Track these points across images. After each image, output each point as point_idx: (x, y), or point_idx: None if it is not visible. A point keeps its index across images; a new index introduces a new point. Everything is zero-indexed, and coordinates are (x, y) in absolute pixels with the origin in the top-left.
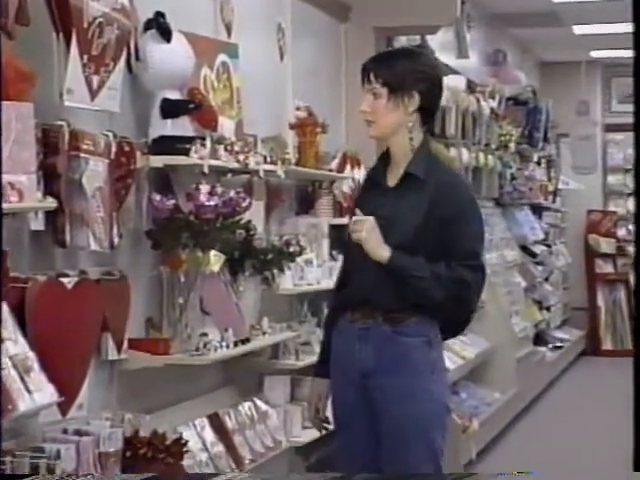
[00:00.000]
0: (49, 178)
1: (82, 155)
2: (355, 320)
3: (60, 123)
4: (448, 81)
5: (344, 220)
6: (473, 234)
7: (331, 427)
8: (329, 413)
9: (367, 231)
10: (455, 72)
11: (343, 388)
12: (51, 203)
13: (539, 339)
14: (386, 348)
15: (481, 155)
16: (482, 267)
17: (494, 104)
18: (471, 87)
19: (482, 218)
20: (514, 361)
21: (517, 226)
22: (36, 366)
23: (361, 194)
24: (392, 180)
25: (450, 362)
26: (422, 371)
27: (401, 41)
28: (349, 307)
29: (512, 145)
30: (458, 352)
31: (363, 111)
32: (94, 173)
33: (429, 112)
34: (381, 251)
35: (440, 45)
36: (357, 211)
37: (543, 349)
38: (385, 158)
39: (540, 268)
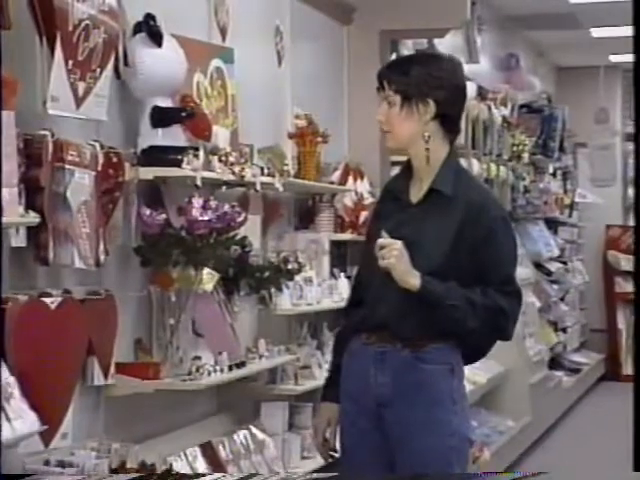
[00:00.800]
0: (31, 191)
1: (67, 167)
2: (371, 343)
3: (43, 133)
4: None
5: (346, 236)
6: (507, 257)
7: (337, 455)
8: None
9: (397, 257)
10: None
11: (355, 415)
12: (34, 218)
13: (555, 363)
14: (405, 374)
15: (492, 166)
16: (518, 292)
17: (506, 112)
18: (482, 94)
19: (515, 238)
20: (528, 386)
21: (531, 242)
22: (17, 392)
23: (379, 208)
24: (415, 195)
25: None
26: (443, 401)
27: (407, 45)
28: (364, 329)
29: (525, 155)
30: (468, 377)
31: (379, 120)
32: (79, 186)
33: (450, 121)
34: (412, 278)
35: (449, 49)
36: (383, 233)
37: (559, 374)
38: (407, 170)
39: (555, 287)
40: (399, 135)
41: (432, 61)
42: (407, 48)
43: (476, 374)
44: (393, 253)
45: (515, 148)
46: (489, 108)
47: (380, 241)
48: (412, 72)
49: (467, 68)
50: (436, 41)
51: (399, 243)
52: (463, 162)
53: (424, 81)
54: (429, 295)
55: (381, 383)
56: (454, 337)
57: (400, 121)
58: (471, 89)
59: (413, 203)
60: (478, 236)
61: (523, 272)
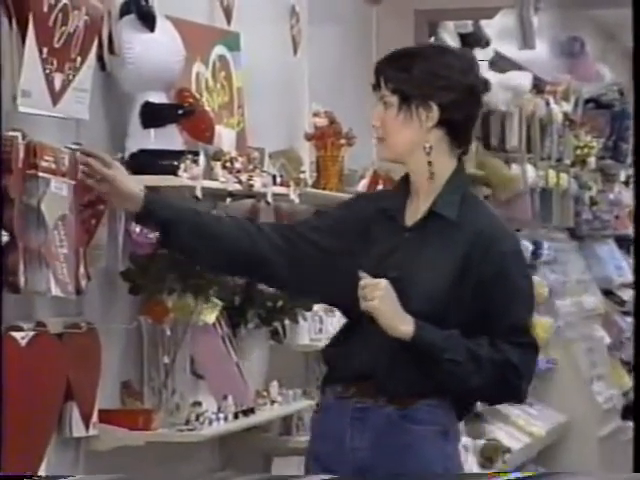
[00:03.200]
0: None
1: (41, 175)
2: (348, 396)
3: (13, 134)
4: (509, 79)
5: None
6: (521, 301)
7: None
8: None
9: (380, 300)
10: (518, 67)
11: None
12: (2, 236)
13: (629, 412)
14: (388, 436)
15: (551, 173)
16: (534, 344)
17: (568, 108)
18: (539, 86)
19: (532, 280)
20: (596, 440)
21: (599, 265)
22: None
23: (366, 229)
24: (411, 217)
25: (514, 441)
26: (433, 469)
27: (448, 28)
28: (341, 379)
29: (592, 160)
30: (523, 427)
31: (373, 126)
32: (56, 197)
33: (458, 130)
34: (402, 325)
35: (499, 33)
36: (360, 272)
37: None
38: (405, 186)
39: (629, 319)
40: (395, 144)
41: (439, 56)
42: (448, 32)
43: (533, 424)
44: (376, 294)
45: (579, 151)
46: (547, 103)
47: (362, 282)
48: (414, 68)
49: (521, 55)
50: (483, 23)
51: (383, 282)
52: (516, 169)
53: (427, 80)
54: (424, 345)
55: (359, 447)
56: (451, 393)
57: (396, 127)
58: (525, 80)
59: (408, 227)
60: (486, 273)
61: (589, 301)
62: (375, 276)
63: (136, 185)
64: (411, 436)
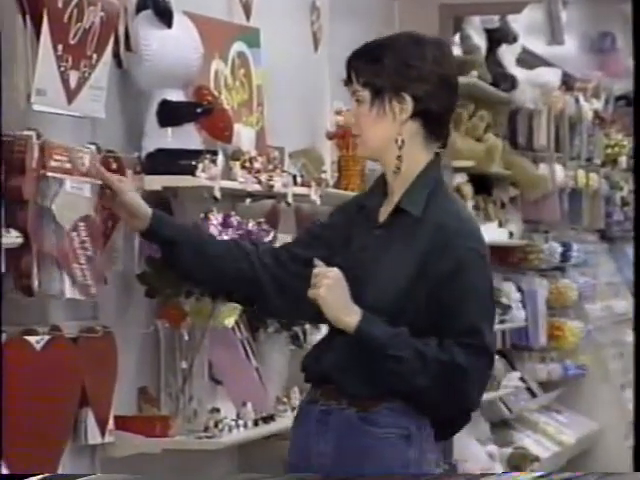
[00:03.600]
0: (12, 205)
1: (56, 175)
2: (316, 400)
3: (27, 133)
4: (537, 76)
5: None
6: (475, 302)
7: None
8: None
9: (327, 288)
10: (546, 63)
11: None
12: (15, 238)
13: None
14: (348, 440)
15: (581, 173)
16: (486, 349)
17: (599, 105)
18: (568, 83)
19: (491, 282)
20: (628, 449)
21: (630, 267)
22: None
23: (348, 231)
24: (384, 214)
25: (543, 449)
26: (393, 475)
27: (474, 23)
28: (311, 382)
29: (623, 160)
30: (553, 436)
31: (347, 123)
32: (73, 198)
33: (434, 122)
34: (346, 316)
35: (527, 28)
36: (316, 261)
37: None
38: (383, 183)
39: None
40: (369, 140)
41: (412, 46)
42: (474, 27)
43: (562, 432)
44: (323, 282)
45: (610, 150)
46: (577, 101)
47: (315, 270)
48: (384, 60)
49: (549, 51)
50: (510, 18)
51: (334, 271)
52: (544, 168)
53: (399, 71)
54: (367, 340)
55: (322, 451)
56: (410, 397)
57: (370, 122)
58: (554, 77)
59: (379, 224)
60: (442, 271)
61: (620, 305)
62: (345, 275)
63: (144, 202)
64: (370, 439)
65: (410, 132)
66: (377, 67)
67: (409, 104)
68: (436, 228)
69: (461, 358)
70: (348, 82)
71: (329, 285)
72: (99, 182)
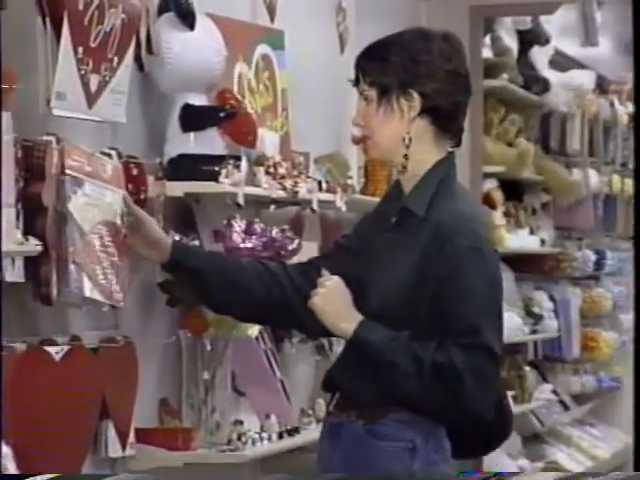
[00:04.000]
0: (31, 212)
1: (75, 174)
2: (329, 412)
3: (47, 138)
4: (570, 78)
5: None
6: (474, 301)
7: None
8: None
9: (322, 296)
10: (580, 65)
11: None
12: (35, 246)
13: None
14: (355, 453)
15: (616, 178)
16: (485, 347)
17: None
18: (602, 86)
19: (496, 278)
20: None
21: None
22: (11, 465)
23: (366, 234)
24: (395, 216)
25: (576, 464)
26: None
27: (506, 24)
28: (328, 395)
29: None
30: (587, 450)
31: (356, 125)
32: (93, 201)
33: (444, 118)
34: (343, 323)
35: (559, 29)
36: (323, 271)
37: None
38: (399, 183)
39: None
40: (380, 141)
41: (419, 41)
42: (505, 28)
43: (596, 446)
44: (319, 291)
45: None
46: (612, 104)
47: (320, 279)
48: (391, 57)
49: (583, 53)
50: (543, 19)
51: (334, 279)
52: (577, 174)
53: (405, 67)
54: (364, 346)
55: (332, 465)
56: (416, 405)
57: (379, 122)
58: (588, 80)
59: (389, 226)
60: (439, 271)
61: None
62: (357, 280)
63: (163, 232)
64: (375, 452)
65: (419, 130)
66: (384, 65)
67: (417, 101)
68: (435, 228)
69: (458, 358)
70: (356, 83)
71: (323, 294)
72: (122, 191)
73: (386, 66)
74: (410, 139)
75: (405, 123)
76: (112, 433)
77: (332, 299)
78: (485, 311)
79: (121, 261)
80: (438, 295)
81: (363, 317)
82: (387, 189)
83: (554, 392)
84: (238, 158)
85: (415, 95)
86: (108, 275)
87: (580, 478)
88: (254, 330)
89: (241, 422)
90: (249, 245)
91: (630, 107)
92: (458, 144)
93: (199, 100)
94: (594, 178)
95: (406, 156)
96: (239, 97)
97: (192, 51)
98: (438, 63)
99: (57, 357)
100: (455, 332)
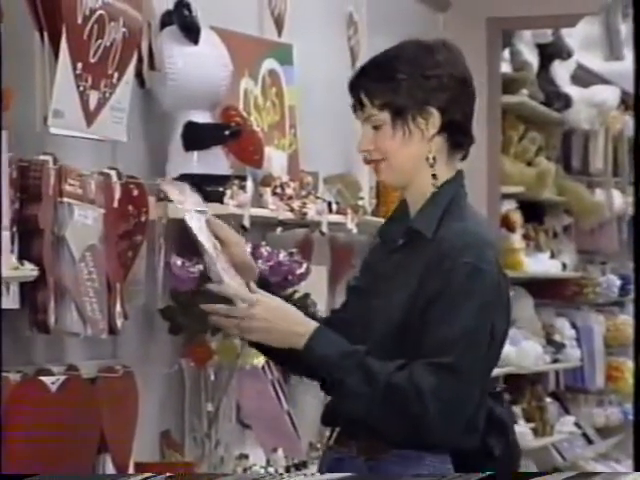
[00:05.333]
0: (27, 235)
1: (66, 200)
2: (331, 447)
3: (44, 158)
4: (593, 94)
5: None
6: (457, 321)
7: None
8: None
9: (253, 319)
10: (603, 81)
11: None
12: (31, 271)
13: None
14: None
15: None
16: (455, 369)
17: None
18: (627, 102)
19: (489, 304)
20: None
21: None
22: None
23: (374, 264)
24: (401, 238)
25: None
26: None
27: (525, 38)
28: (329, 428)
29: None
30: None
31: (363, 151)
32: (80, 226)
33: (458, 132)
34: (293, 337)
35: (582, 42)
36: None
37: None
38: (405, 204)
39: None
40: (399, 166)
41: (422, 53)
42: (525, 42)
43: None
44: (254, 311)
45: None
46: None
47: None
48: (398, 74)
49: (607, 67)
50: (564, 32)
51: (254, 309)
52: (600, 194)
53: (417, 84)
54: (314, 360)
55: None
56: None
57: (396, 146)
58: (612, 95)
59: (395, 248)
60: (431, 289)
61: None
62: (367, 303)
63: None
64: None
65: (437, 147)
66: (393, 84)
67: (436, 117)
68: (440, 246)
69: (423, 380)
70: (358, 107)
71: (255, 316)
72: (102, 210)
73: (396, 85)
74: (434, 158)
75: (425, 142)
76: (110, 467)
77: (272, 319)
78: (467, 334)
79: (103, 287)
80: (425, 311)
81: (370, 343)
82: (392, 211)
83: (577, 425)
84: (243, 178)
85: (433, 111)
86: (94, 305)
87: None
88: (260, 359)
89: (246, 456)
90: None
91: None
92: (464, 157)
93: (203, 117)
94: (618, 199)
95: (435, 175)
96: (245, 114)
97: (196, 66)
98: (448, 73)
99: (53, 388)
100: (427, 350)
